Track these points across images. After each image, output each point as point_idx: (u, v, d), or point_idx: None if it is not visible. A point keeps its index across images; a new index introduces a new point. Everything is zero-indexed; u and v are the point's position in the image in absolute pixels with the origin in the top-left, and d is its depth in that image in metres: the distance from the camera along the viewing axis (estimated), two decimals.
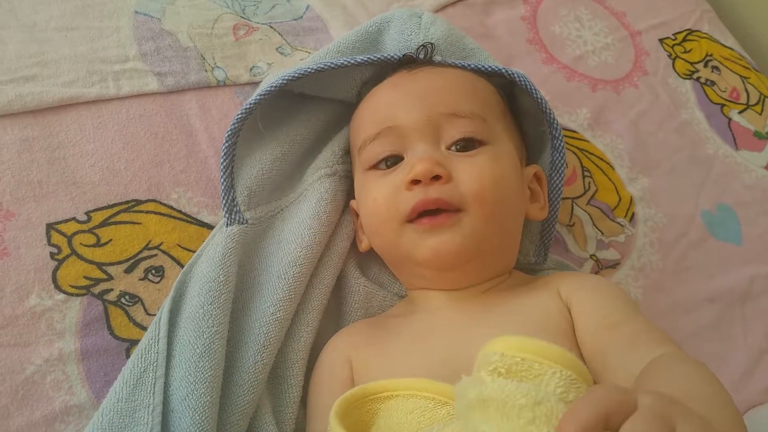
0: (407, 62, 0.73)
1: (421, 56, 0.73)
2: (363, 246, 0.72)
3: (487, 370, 0.37)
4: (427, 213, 0.62)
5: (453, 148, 0.65)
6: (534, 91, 0.71)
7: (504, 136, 0.68)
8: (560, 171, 0.73)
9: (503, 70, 0.72)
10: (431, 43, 0.74)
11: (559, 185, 0.73)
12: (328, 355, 0.66)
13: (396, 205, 0.63)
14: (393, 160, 0.66)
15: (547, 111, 0.71)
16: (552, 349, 0.38)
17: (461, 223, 0.61)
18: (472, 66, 0.73)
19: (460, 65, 0.73)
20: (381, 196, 0.65)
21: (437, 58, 0.74)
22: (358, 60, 0.72)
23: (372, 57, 0.73)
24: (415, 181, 0.62)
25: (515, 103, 0.76)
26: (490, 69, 0.73)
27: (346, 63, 0.71)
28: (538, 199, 0.72)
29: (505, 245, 0.68)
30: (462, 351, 0.59)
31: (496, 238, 0.64)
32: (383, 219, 0.65)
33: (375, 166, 0.67)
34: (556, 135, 0.72)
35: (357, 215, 0.73)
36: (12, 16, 0.79)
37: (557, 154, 0.73)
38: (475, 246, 0.62)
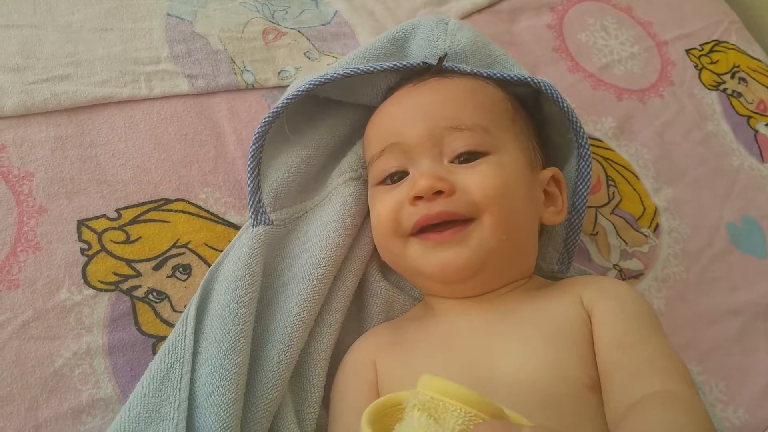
0: (427, 69, 0.74)
1: (444, 64, 0.74)
2: None
3: (409, 406, 0.44)
4: (432, 227, 0.63)
5: (456, 161, 0.65)
6: (560, 100, 0.71)
7: (510, 144, 0.68)
8: (586, 179, 0.73)
9: (529, 79, 0.72)
10: (446, 54, 0.75)
11: (585, 193, 0.73)
12: (353, 357, 0.67)
13: (399, 220, 0.64)
14: (399, 176, 0.67)
15: (574, 119, 0.72)
16: (460, 390, 0.43)
17: (469, 237, 0.62)
18: (497, 75, 0.73)
19: (485, 74, 0.73)
20: (385, 211, 0.66)
21: (462, 66, 0.74)
22: (384, 66, 0.73)
23: (397, 64, 0.73)
24: (418, 197, 0.63)
25: (540, 111, 0.76)
26: (516, 78, 0.73)
27: (371, 69, 0.72)
28: (555, 202, 0.71)
29: (518, 253, 0.68)
30: (481, 359, 0.60)
31: (504, 247, 0.64)
32: (387, 234, 0.66)
33: (382, 182, 0.69)
34: (582, 143, 0.72)
35: None
36: (49, 17, 0.81)
37: (583, 163, 0.73)
38: (482, 258, 0.62)
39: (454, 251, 0.62)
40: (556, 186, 0.72)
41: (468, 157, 0.65)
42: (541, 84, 0.72)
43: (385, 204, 0.66)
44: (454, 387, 0.44)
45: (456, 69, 0.74)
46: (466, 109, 0.67)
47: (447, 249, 0.62)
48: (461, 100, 0.69)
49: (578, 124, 0.72)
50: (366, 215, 0.75)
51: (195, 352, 0.60)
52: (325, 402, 0.66)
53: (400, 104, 0.71)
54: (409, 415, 0.44)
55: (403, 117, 0.69)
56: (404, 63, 0.74)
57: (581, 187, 0.73)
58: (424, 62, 0.74)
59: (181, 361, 0.59)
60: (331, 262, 0.68)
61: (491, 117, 0.68)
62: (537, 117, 0.76)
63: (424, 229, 0.63)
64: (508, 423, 0.43)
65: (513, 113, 0.71)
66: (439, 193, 0.62)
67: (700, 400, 0.53)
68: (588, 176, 0.72)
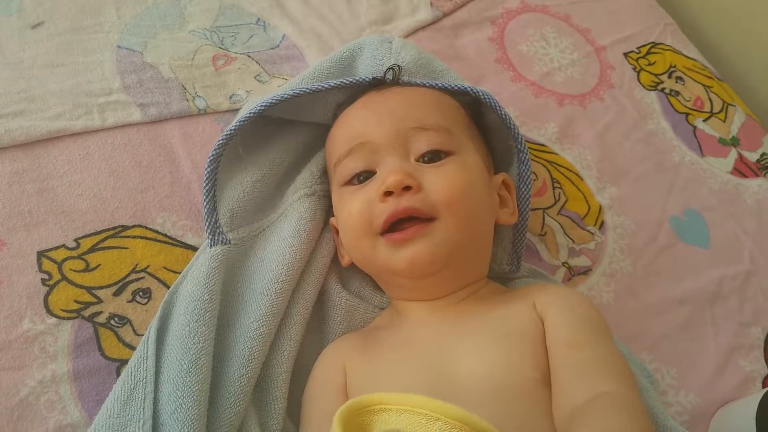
0: (377, 84, 0.77)
1: (389, 78, 0.77)
2: (345, 261, 0.75)
3: None
4: (397, 226, 0.65)
5: (422, 159, 0.68)
6: (498, 108, 0.75)
7: (470, 147, 0.72)
8: (527, 182, 0.76)
9: (469, 89, 0.76)
10: (398, 66, 0.78)
11: (527, 196, 0.77)
12: (324, 362, 0.69)
13: (370, 218, 0.66)
14: (366, 175, 0.69)
15: (512, 126, 0.75)
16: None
17: (432, 232, 0.65)
18: (440, 85, 0.76)
19: (427, 84, 0.77)
20: (355, 210, 0.67)
21: (405, 78, 0.78)
22: (332, 84, 0.75)
23: (344, 81, 0.76)
24: (388, 193, 0.65)
25: (483, 120, 0.80)
26: (457, 88, 0.76)
27: (320, 88, 0.75)
28: (507, 204, 0.75)
29: (478, 250, 0.72)
30: (442, 359, 0.63)
31: (468, 243, 0.67)
32: (359, 232, 0.68)
33: (349, 182, 0.70)
34: (521, 149, 0.76)
35: (337, 232, 0.76)
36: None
37: (523, 167, 0.76)
38: (448, 252, 0.65)
39: (420, 245, 0.64)
40: (507, 190, 0.76)
41: (432, 156, 0.68)
42: (480, 93, 0.75)
43: (355, 203, 0.68)
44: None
45: (401, 82, 0.77)
46: (429, 111, 0.71)
47: (413, 244, 0.64)
48: (424, 103, 0.72)
49: (516, 131, 0.75)
50: (322, 229, 0.78)
51: (157, 372, 0.62)
52: (289, 413, 0.67)
53: (366, 107, 0.73)
54: None
55: (370, 118, 0.71)
56: (351, 79, 0.76)
57: (523, 189, 0.76)
58: (375, 78, 0.77)
59: (144, 381, 0.61)
60: (289, 277, 0.70)
61: (452, 120, 0.72)
62: (480, 126, 0.79)
63: (391, 228, 0.65)
64: None
65: (468, 120, 0.75)
66: (408, 189, 0.65)
67: (640, 400, 0.57)
68: (528, 180, 0.76)
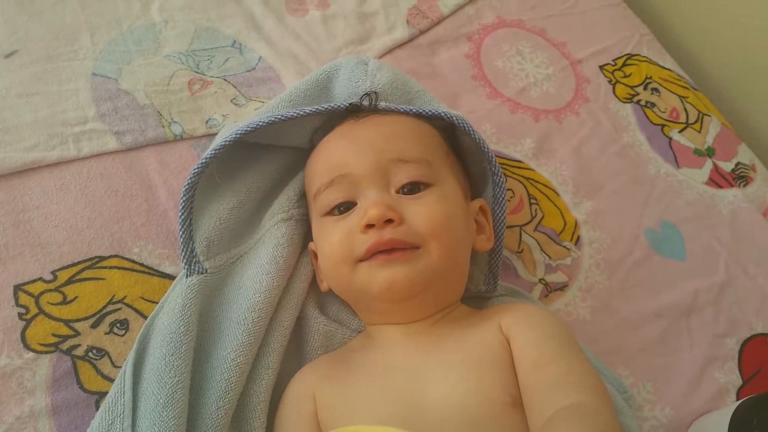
0: (353, 110, 0.77)
1: (366, 104, 0.77)
2: (324, 286, 0.75)
3: None
4: (381, 252, 0.66)
5: (401, 191, 0.69)
6: (472, 132, 0.76)
7: (448, 176, 0.73)
8: (502, 204, 0.77)
9: (443, 114, 0.77)
10: (375, 92, 0.78)
11: (502, 218, 0.78)
12: (292, 392, 0.69)
13: (351, 248, 0.67)
14: (346, 206, 0.70)
15: (486, 149, 0.76)
16: None
17: (416, 258, 0.66)
18: (414, 111, 0.77)
19: (402, 110, 0.77)
20: (336, 241, 0.68)
21: (382, 104, 0.78)
22: (307, 111, 0.76)
23: (320, 107, 0.76)
24: (369, 226, 0.66)
25: (457, 142, 0.80)
26: (431, 113, 0.77)
27: (296, 114, 0.75)
28: (484, 230, 0.76)
29: (455, 277, 0.73)
30: (414, 384, 0.64)
31: (446, 270, 0.69)
32: (339, 261, 0.68)
33: (330, 212, 0.71)
34: (496, 171, 0.77)
35: (316, 257, 0.76)
36: None
37: (498, 189, 0.77)
38: (427, 278, 0.66)
39: (402, 268, 0.65)
40: (484, 216, 0.77)
41: (412, 188, 0.69)
42: (455, 118, 0.76)
43: (336, 233, 0.69)
44: None
45: (379, 109, 0.77)
46: (408, 142, 0.72)
47: (395, 266, 0.65)
48: (404, 134, 0.73)
49: (490, 154, 0.76)
50: (300, 254, 0.78)
51: (134, 407, 0.62)
52: None
53: (345, 137, 0.74)
54: None
55: (350, 149, 0.71)
56: (326, 106, 0.77)
57: (498, 211, 0.77)
58: (351, 104, 0.77)
59: (122, 417, 0.61)
60: (266, 305, 0.70)
61: (431, 150, 0.73)
62: (456, 148, 0.80)
63: (374, 254, 0.66)
64: None
65: (446, 148, 0.76)
66: (389, 221, 0.66)
67: (607, 409, 0.57)
68: (503, 202, 0.77)
